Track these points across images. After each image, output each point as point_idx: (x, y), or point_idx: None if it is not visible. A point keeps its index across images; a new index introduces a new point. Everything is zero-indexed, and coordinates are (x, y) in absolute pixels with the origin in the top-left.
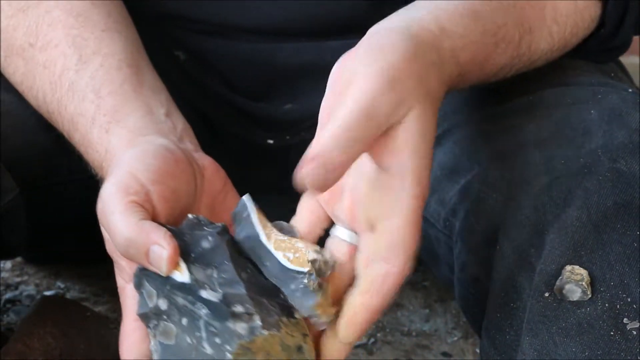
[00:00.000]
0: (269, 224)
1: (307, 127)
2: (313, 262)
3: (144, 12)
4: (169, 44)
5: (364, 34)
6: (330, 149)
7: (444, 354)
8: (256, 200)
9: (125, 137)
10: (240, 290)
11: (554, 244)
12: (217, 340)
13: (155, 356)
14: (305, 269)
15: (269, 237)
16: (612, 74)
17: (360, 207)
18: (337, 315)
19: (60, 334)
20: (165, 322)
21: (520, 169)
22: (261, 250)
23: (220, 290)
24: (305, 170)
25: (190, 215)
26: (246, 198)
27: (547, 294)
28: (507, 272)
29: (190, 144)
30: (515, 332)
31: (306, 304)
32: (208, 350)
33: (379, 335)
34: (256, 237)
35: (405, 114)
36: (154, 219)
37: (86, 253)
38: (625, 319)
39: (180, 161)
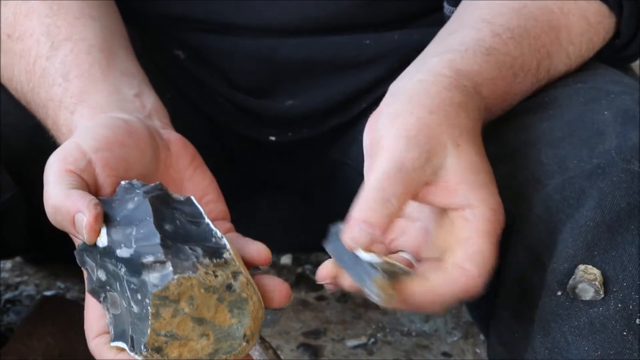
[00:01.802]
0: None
1: (309, 123)
2: (391, 263)
3: (143, 12)
4: (168, 43)
5: (364, 31)
6: (367, 211)
7: (444, 354)
8: (258, 196)
9: (87, 115)
10: (154, 240)
11: (567, 243)
12: (139, 296)
13: (110, 329)
14: (380, 260)
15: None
16: (629, 72)
17: (429, 239)
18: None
19: (60, 334)
20: (110, 293)
21: (532, 168)
22: (196, 214)
23: (134, 245)
24: (352, 235)
25: (122, 182)
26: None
27: (559, 293)
28: (517, 271)
29: (159, 122)
30: (525, 330)
31: (368, 280)
32: (135, 308)
33: (379, 335)
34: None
35: (442, 161)
36: (97, 187)
37: None
38: (637, 319)
39: (135, 131)
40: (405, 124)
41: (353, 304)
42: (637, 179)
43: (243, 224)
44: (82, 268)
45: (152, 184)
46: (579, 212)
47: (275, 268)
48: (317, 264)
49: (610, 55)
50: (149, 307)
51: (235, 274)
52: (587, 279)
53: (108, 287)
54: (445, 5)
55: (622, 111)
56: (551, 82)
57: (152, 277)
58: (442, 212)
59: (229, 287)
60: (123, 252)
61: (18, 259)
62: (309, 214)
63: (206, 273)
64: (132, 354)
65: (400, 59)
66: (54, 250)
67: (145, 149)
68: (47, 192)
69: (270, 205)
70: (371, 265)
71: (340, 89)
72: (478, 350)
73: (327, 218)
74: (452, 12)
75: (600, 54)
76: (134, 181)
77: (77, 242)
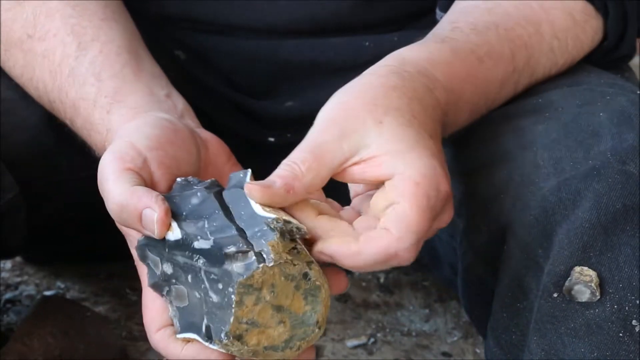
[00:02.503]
0: None
1: (308, 124)
2: (287, 222)
3: (144, 13)
4: (169, 44)
5: (364, 33)
6: (274, 176)
7: (444, 354)
8: None
9: (126, 114)
10: (232, 232)
11: (562, 244)
12: (220, 285)
13: (175, 322)
14: (274, 216)
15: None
16: (622, 73)
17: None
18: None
19: (60, 334)
20: (176, 286)
21: (528, 170)
22: (241, 200)
23: (211, 237)
24: (254, 188)
25: (178, 179)
26: (250, 170)
27: (555, 295)
28: (514, 272)
29: (192, 122)
30: (522, 332)
31: (262, 241)
32: (214, 298)
33: (379, 335)
34: (242, 190)
35: (363, 138)
36: (153, 184)
37: (86, 253)
38: (634, 320)
39: (180, 131)
40: (328, 109)
41: (353, 304)
42: (632, 180)
43: None
44: (142, 263)
45: (209, 180)
46: (574, 213)
47: None
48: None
49: (602, 58)
50: (232, 296)
51: (309, 263)
52: (583, 281)
53: (174, 281)
54: (438, 11)
55: (618, 112)
56: (540, 79)
57: (236, 267)
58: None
59: (305, 275)
60: (202, 244)
61: (18, 258)
62: None
63: (285, 262)
64: (206, 343)
65: None
66: (53, 249)
67: (190, 148)
68: (109, 190)
69: None
70: (267, 223)
71: None
72: (478, 350)
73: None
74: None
75: (591, 56)
76: (190, 178)
77: (131, 239)
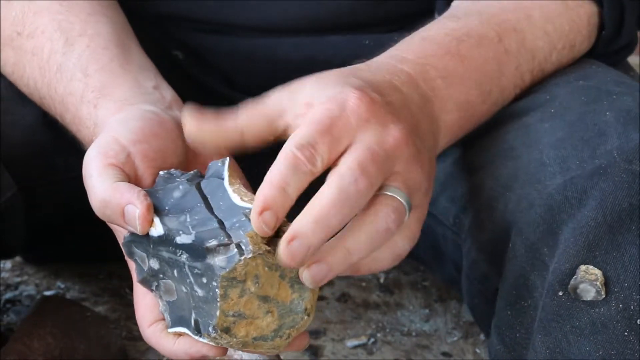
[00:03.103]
0: (238, 180)
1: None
2: None
3: (141, 12)
4: (166, 43)
5: (364, 31)
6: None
7: (444, 354)
8: None
9: (112, 108)
10: (213, 225)
11: (568, 243)
12: (204, 280)
13: (166, 316)
14: (252, 205)
15: (232, 183)
16: (628, 72)
17: None
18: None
19: (60, 334)
20: (164, 280)
21: (533, 169)
22: (219, 190)
23: (193, 232)
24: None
25: (161, 172)
26: (228, 159)
27: (560, 293)
28: (519, 270)
29: (179, 112)
30: (526, 330)
31: (240, 232)
32: (200, 292)
33: (379, 335)
34: (220, 180)
35: (301, 92)
36: (137, 179)
37: (86, 253)
38: (639, 319)
39: (165, 122)
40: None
41: (353, 303)
42: (638, 180)
43: None
44: (130, 259)
45: (192, 172)
46: (580, 212)
47: None
48: None
49: (604, 48)
50: (216, 290)
51: None
52: (589, 279)
53: (161, 275)
54: (437, 16)
55: (624, 112)
56: (545, 67)
57: (217, 260)
58: None
59: None
60: (183, 239)
61: (18, 258)
62: None
63: (268, 251)
64: (196, 337)
65: None
66: (53, 249)
67: (175, 140)
68: (92, 186)
69: None
70: (245, 214)
71: None
72: (478, 350)
73: None
74: None
75: (593, 49)
76: (173, 170)
77: (120, 235)
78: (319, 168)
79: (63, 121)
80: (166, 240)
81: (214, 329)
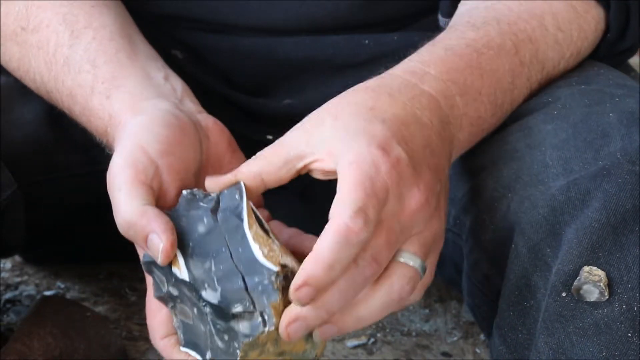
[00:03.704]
0: (253, 215)
1: None
2: (284, 266)
3: (141, 12)
4: (166, 43)
5: (363, 31)
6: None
7: (444, 354)
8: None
9: (128, 100)
10: (238, 283)
11: (571, 244)
12: (225, 337)
13: (179, 333)
14: (276, 268)
15: (251, 225)
16: (629, 73)
17: None
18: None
19: (60, 334)
20: (181, 305)
21: (536, 170)
22: (238, 233)
23: (218, 287)
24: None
25: (184, 192)
26: (245, 193)
27: (564, 294)
28: (521, 271)
29: (192, 105)
30: (528, 330)
31: (264, 300)
32: (219, 343)
33: (379, 335)
34: (238, 221)
35: (321, 134)
36: (163, 192)
37: (86, 253)
38: None
39: (185, 127)
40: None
41: None
42: None
43: None
44: (148, 275)
45: (213, 196)
46: (583, 213)
47: None
48: None
49: (607, 51)
50: (237, 351)
51: None
52: (592, 280)
53: (179, 301)
54: (440, 17)
55: (627, 113)
56: (552, 75)
57: (242, 327)
58: None
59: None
60: (209, 296)
61: (18, 258)
62: (308, 214)
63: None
64: None
65: (399, 60)
66: (53, 249)
67: (195, 145)
68: (119, 204)
69: (268, 206)
70: (270, 279)
71: (339, 88)
72: (478, 350)
73: (326, 219)
74: (447, 24)
75: (597, 51)
76: (195, 191)
77: (140, 250)
78: (368, 235)
79: (71, 114)
80: (190, 286)
81: None
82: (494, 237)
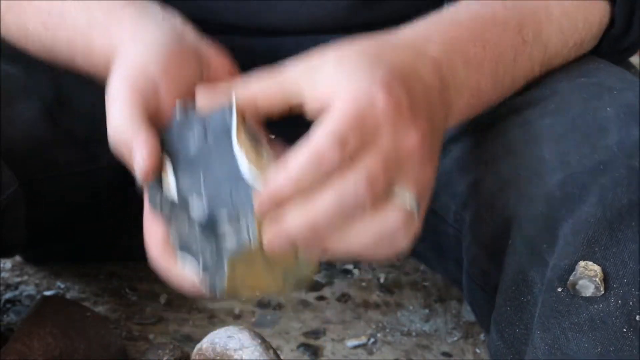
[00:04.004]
0: (244, 133)
1: (307, 122)
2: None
3: None
4: None
5: (363, 32)
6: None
7: (444, 354)
8: None
9: (128, 30)
10: (226, 196)
11: (567, 239)
12: (214, 252)
13: (175, 243)
14: (258, 172)
15: (241, 143)
16: (630, 69)
17: None
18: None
19: (60, 334)
20: (174, 219)
21: (534, 164)
22: (228, 150)
23: (205, 199)
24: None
25: (178, 105)
26: (235, 105)
27: (559, 289)
28: (518, 266)
29: (193, 33)
30: (525, 326)
31: (249, 214)
32: (208, 254)
33: (379, 335)
34: (229, 136)
35: (323, 70)
36: (159, 111)
37: (86, 253)
38: (638, 316)
39: (187, 53)
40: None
41: (353, 304)
42: (638, 176)
43: None
44: (144, 187)
45: (205, 112)
46: (580, 208)
47: None
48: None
49: (610, 46)
50: (225, 264)
51: None
52: (588, 276)
53: (173, 215)
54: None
55: (625, 107)
56: (552, 61)
57: (229, 240)
58: None
59: None
60: (196, 206)
61: (18, 258)
62: None
63: None
64: (202, 280)
65: None
66: (53, 249)
67: (195, 70)
68: (112, 113)
69: None
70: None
71: None
72: (478, 350)
73: None
74: None
75: (599, 46)
76: (189, 106)
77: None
78: (338, 166)
79: (74, 64)
80: (179, 195)
81: (220, 292)
82: (493, 232)
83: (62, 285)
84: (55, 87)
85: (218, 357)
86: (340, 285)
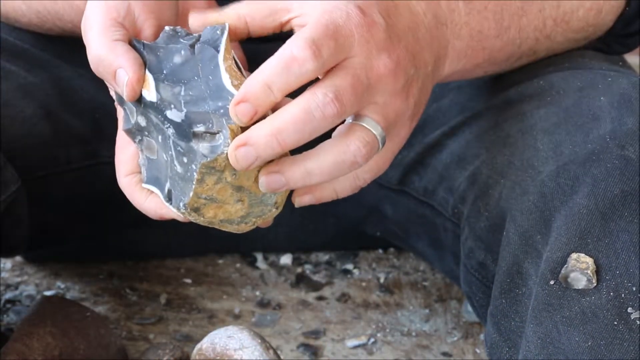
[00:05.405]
0: (232, 55)
1: None
2: None
3: None
4: None
5: None
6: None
7: (444, 354)
8: None
9: None
10: (205, 107)
11: (560, 231)
12: (184, 159)
13: (143, 170)
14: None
15: (226, 59)
16: (620, 63)
17: None
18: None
19: (60, 334)
20: (148, 138)
21: (527, 155)
22: (212, 63)
23: (184, 109)
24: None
25: (166, 27)
26: (227, 28)
27: (552, 282)
28: (513, 259)
29: None
30: (521, 318)
31: (223, 122)
32: (178, 168)
33: (379, 335)
34: (214, 52)
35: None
36: (137, 30)
37: (86, 253)
38: (629, 308)
39: None
40: None
41: (353, 303)
42: (631, 166)
43: None
44: (120, 107)
45: (196, 35)
46: (572, 199)
47: (275, 268)
48: (317, 264)
49: (621, 29)
50: (194, 173)
51: None
52: (580, 268)
53: (146, 133)
54: None
55: (618, 95)
56: (567, 21)
57: (202, 147)
58: None
59: (270, 161)
60: (173, 115)
61: (18, 258)
62: (309, 213)
63: None
64: (166, 204)
65: None
66: (53, 249)
67: (173, 3)
68: (90, 40)
69: None
70: (233, 95)
71: None
72: (478, 350)
73: (327, 218)
74: None
75: (611, 28)
76: (178, 28)
77: (113, 90)
78: (310, 74)
79: (63, 28)
80: (157, 108)
81: (184, 206)
82: (488, 224)
83: (62, 285)
84: (55, 85)
85: (218, 357)
86: (340, 285)
